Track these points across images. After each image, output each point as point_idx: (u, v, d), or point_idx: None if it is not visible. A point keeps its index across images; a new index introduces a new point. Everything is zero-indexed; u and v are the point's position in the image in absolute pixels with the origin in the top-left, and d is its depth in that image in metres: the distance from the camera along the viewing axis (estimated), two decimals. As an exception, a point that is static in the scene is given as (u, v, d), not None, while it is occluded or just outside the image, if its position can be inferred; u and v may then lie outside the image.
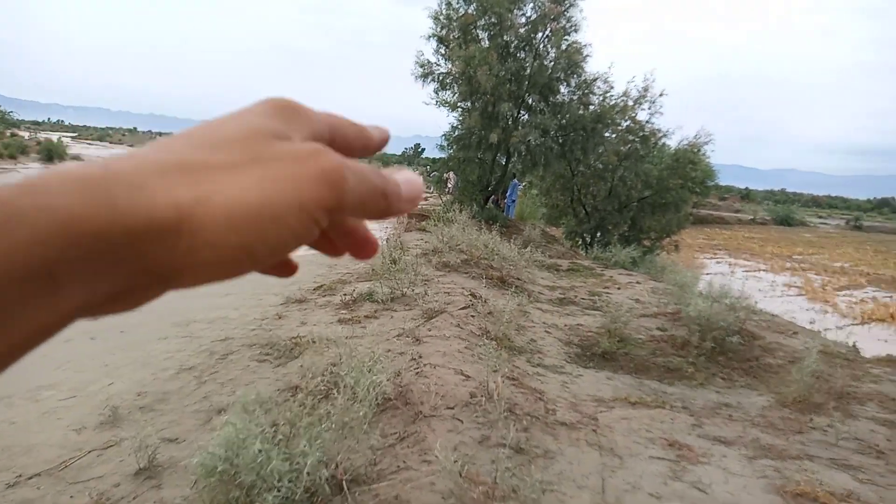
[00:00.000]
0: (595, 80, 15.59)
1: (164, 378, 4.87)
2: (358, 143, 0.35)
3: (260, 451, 2.73)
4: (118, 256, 0.24)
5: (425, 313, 5.85)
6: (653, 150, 17.26)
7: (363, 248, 0.37)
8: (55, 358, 5.25)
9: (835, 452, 3.87)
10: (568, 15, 14.84)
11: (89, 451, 3.73)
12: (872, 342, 12.82)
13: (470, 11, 14.96)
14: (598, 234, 17.66)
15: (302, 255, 0.36)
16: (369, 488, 2.89)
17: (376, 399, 3.48)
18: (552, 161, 15.79)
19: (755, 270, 25.26)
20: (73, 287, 0.24)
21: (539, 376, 4.88)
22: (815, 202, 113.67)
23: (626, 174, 16.95)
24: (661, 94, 16.38)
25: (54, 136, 45.71)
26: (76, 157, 45.24)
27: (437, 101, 15.92)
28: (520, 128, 14.75)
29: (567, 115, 15.25)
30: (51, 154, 38.66)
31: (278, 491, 2.65)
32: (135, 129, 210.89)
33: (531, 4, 15.09)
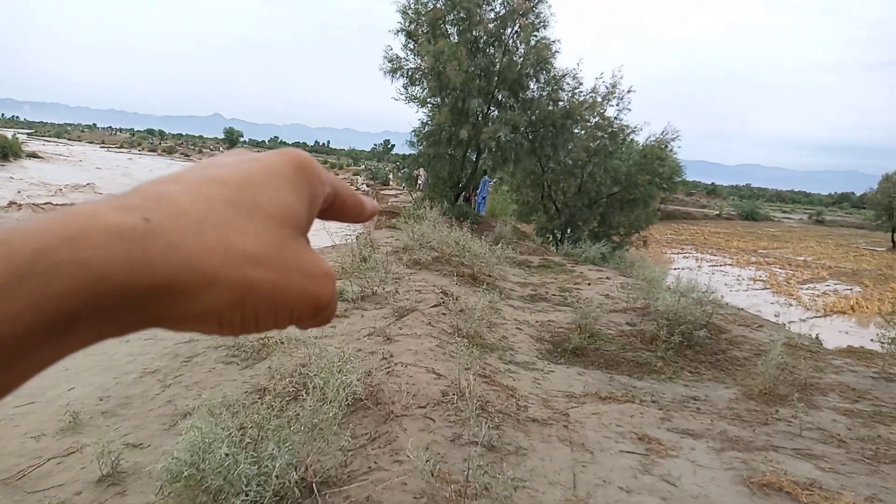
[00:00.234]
0: (564, 76, 15.68)
1: (126, 382, 4.74)
2: (353, 210, 0.39)
3: (227, 454, 2.67)
4: (138, 306, 0.26)
5: (396, 312, 5.82)
6: (621, 147, 17.47)
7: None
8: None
9: (799, 443, 3.96)
10: (536, 11, 14.89)
11: (49, 459, 3.61)
12: (834, 334, 13.19)
13: (438, 6, 14.90)
14: (569, 231, 17.81)
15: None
16: (340, 490, 2.85)
17: (346, 400, 3.44)
18: (522, 157, 15.85)
19: (721, 265, 25.78)
20: (89, 330, 0.25)
21: (511, 373, 4.89)
22: (780, 197, 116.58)
23: (596, 170, 17.12)
24: (628, 91, 16.60)
25: (9, 133, 44.39)
26: (33, 155, 43.98)
27: (406, 97, 15.83)
28: (490, 124, 14.75)
29: (537, 112, 15.30)
30: (5, 151, 37.65)
31: (246, 495, 2.60)
32: (94, 125, 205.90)
33: (500, 0, 15.12)
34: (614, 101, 16.67)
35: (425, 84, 15.40)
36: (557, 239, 17.74)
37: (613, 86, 16.52)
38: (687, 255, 28.74)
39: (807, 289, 20.90)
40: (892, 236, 42.23)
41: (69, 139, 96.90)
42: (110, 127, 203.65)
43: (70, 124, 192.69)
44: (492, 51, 15.29)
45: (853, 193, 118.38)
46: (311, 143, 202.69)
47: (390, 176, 41.63)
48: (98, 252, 0.24)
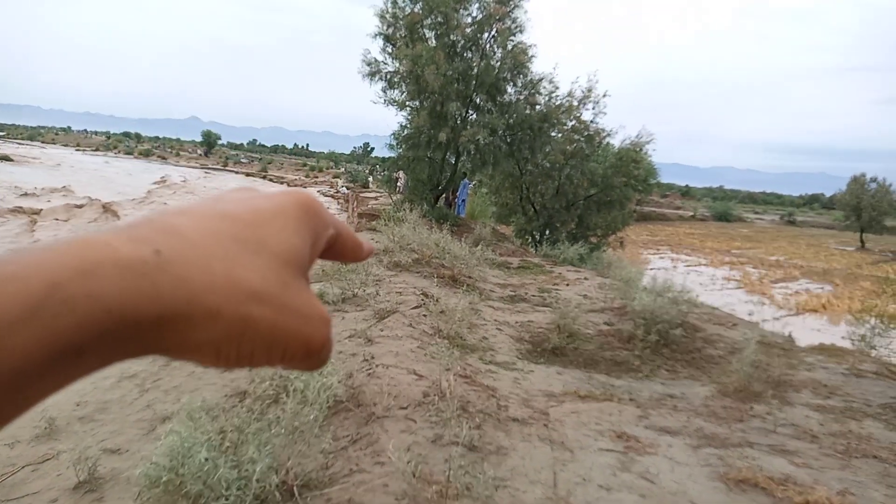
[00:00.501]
0: (541, 80, 15.77)
1: (104, 387, 4.67)
2: (352, 251, 0.41)
3: (206, 459, 2.66)
4: (140, 336, 0.26)
5: (377, 313, 5.81)
6: (597, 150, 17.62)
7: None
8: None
9: (773, 439, 4.04)
10: (513, 16, 14.96)
11: (23, 466, 3.54)
12: (806, 332, 13.46)
13: (416, 10, 14.90)
14: (547, 232, 17.92)
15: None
16: (321, 493, 2.85)
17: (327, 402, 3.44)
18: (501, 160, 15.90)
19: (696, 265, 26.15)
20: (93, 359, 0.26)
21: (491, 373, 4.91)
22: (752, 198, 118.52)
23: (573, 173, 17.25)
24: (604, 95, 16.74)
25: (-20, 136, 43.44)
26: (5, 158, 43.05)
27: (385, 100, 15.80)
28: (468, 127, 14.78)
29: (514, 115, 15.37)
30: (-25, 155, 36.80)
31: (226, 500, 2.58)
32: (69, 127, 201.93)
33: (476, 4, 15.14)
34: (590, 105, 16.82)
35: (404, 87, 15.38)
36: (536, 240, 17.83)
37: (589, 90, 16.66)
38: (662, 255, 29.11)
39: (779, 288, 21.30)
40: (861, 236, 43.22)
41: (43, 142, 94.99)
42: (85, 130, 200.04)
43: (44, 127, 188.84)
44: (469, 55, 15.33)
45: (823, 195, 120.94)
46: (290, 146, 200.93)
47: (370, 178, 41.50)
48: (109, 285, 0.25)
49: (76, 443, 3.41)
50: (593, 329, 6.55)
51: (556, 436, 3.73)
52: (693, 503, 3.11)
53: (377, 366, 4.35)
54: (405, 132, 15.86)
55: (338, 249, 0.39)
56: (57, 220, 19.26)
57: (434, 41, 15.10)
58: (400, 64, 14.87)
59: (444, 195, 17.33)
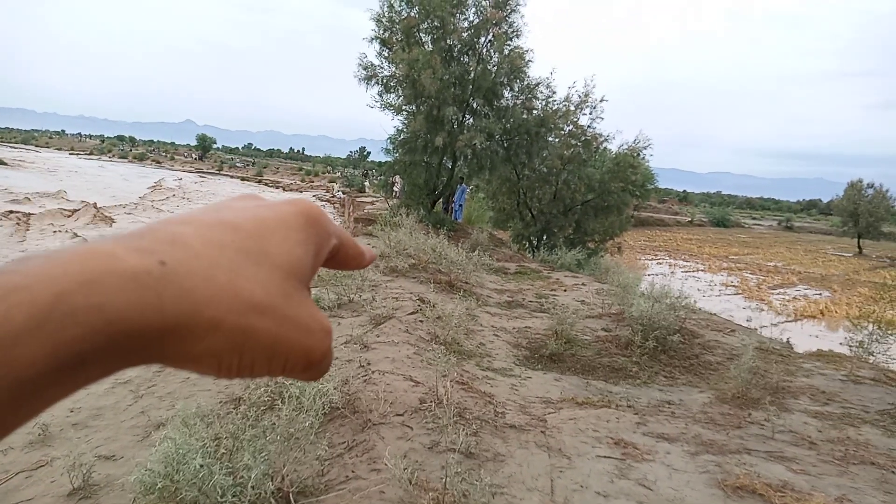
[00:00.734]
0: (538, 84, 15.80)
1: (98, 393, 4.64)
2: (354, 260, 0.40)
3: (201, 465, 2.64)
4: (143, 346, 0.26)
5: (373, 319, 5.79)
6: (595, 155, 17.64)
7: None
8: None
9: (771, 445, 4.03)
10: (510, 20, 15.01)
11: (17, 473, 3.52)
12: (804, 338, 13.46)
13: (412, 14, 14.93)
14: (545, 237, 17.91)
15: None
16: (317, 500, 2.83)
17: (323, 408, 3.41)
18: (498, 165, 15.91)
19: (694, 271, 26.17)
20: (96, 368, 0.26)
21: (488, 380, 4.89)
22: (749, 204, 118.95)
23: (570, 178, 17.25)
24: (601, 100, 16.77)
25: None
26: (0, 162, 42.95)
27: (381, 105, 15.80)
28: (465, 132, 14.79)
29: (511, 120, 15.39)
30: (-32, 158, 36.74)
31: (221, 507, 2.56)
32: (63, 131, 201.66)
33: (473, 9, 15.20)
34: (587, 110, 16.84)
35: (400, 92, 15.39)
36: (533, 246, 17.83)
37: (586, 95, 16.69)
38: (660, 261, 29.13)
39: (777, 294, 21.31)
40: (858, 242, 43.34)
41: (37, 145, 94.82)
42: (79, 133, 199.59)
43: (37, 130, 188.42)
44: (466, 59, 15.36)
45: (820, 200, 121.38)
46: (285, 150, 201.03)
47: (367, 183, 41.49)
48: (114, 297, 0.25)
49: (70, 449, 3.38)
50: (591, 335, 6.54)
51: (553, 442, 3.71)
52: (691, 511, 3.10)
53: (373, 372, 4.33)
54: (402, 136, 15.87)
55: (340, 258, 0.39)
56: (52, 224, 19.21)
57: (430, 45, 15.12)
58: (396, 68, 14.89)
59: (440, 200, 17.33)
